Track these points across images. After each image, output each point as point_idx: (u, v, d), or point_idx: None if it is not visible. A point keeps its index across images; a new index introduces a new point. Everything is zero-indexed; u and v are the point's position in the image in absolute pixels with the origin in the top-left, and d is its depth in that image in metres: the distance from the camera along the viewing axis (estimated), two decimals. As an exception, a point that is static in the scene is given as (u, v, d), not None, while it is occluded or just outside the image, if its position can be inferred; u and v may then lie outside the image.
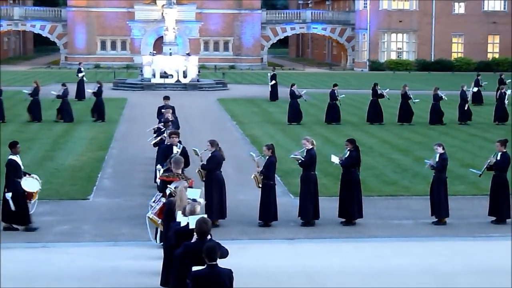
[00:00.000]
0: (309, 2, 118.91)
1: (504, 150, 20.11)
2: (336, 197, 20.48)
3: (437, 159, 20.02)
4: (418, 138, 35.25)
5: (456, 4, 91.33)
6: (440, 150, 20.04)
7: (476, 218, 20.63)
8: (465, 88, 41.88)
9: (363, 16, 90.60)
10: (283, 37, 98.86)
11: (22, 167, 19.20)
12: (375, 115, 40.68)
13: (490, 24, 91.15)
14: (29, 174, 19.36)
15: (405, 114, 40.62)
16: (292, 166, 24.71)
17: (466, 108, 40.80)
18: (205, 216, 11.62)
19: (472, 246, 18.32)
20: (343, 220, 19.96)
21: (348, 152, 19.90)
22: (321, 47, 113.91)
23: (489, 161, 20.25)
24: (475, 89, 45.94)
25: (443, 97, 40.35)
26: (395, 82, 67.63)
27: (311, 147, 19.76)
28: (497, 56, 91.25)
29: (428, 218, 20.16)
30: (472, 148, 32.43)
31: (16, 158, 19.07)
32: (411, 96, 40.58)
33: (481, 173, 20.76)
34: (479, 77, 52.58)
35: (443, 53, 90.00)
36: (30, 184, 19.06)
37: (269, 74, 53.36)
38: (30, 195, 19.05)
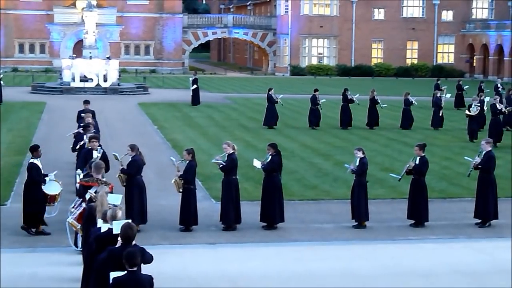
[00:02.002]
0: (230, 6, 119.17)
1: (423, 154, 20.41)
2: (257, 201, 20.49)
3: (357, 164, 20.20)
4: (338, 142, 35.55)
5: (376, 10, 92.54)
6: (360, 154, 20.23)
7: (396, 221, 20.88)
8: (438, 95, 42.50)
9: (284, 21, 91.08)
10: (204, 42, 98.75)
11: (42, 171, 19.05)
12: (346, 120, 41.23)
13: (409, 30, 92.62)
14: (46, 175, 19.08)
15: (373, 118, 41.39)
16: (213, 171, 24.66)
17: (440, 115, 41.17)
18: (130, 221, 11.47)
19: (392, 249, 18.52)
20: (265, 224, 19.99)
21: (270, 156, 19.94)
22: (242, 52, 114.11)
23: (408, 165, 20.51)
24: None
25: (414, 102, 41.33)
26: (316, 87, 68.16)
27: (232, 151, 19.75)
28: (415, 61, 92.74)
29: (349, 221, 20.33)
30: (392, 152, 32.84)
31: (37, 161, 18.96)
32: (379, 101, 41.31)
33: (400, 177, 21.03)
34: (438, 82, 53.44)
35: (363, 58, 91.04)
36: (51, 187, 18.93)
37: (190, 79, 53.15)
38: (52, 198, 18.92)
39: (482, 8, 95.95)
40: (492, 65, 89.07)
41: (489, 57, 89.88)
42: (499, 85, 50.48)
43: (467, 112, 37.32)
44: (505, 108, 37.93)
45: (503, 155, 30.62)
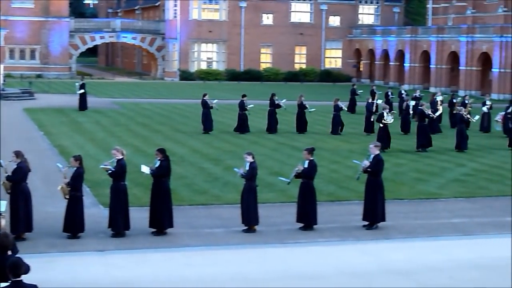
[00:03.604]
0: (118, 11, 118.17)
1: (311, 158, 20.58)
2: (146, 207, 20.31)
3: (247, 168, 20.23)
4: (228, 147, 35.60)
5: (265, 15, 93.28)
6: (249, 159, 20.26)
7: (285, 225, 20.99)
8: (370, 100, 43.11)
9: (173, 25, 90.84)
10: (92, 46, 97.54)
11: None
12: (272, 125, 41.71)
13: (297, 35, 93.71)
14: None
15: (301, 123, 41.92)
16: (102, 177, 24.32)
17: (372, 120, 41.46)
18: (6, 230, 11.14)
19: (282, 253, 18.60)
20: (154, 230, 19.82)
21: (159, 161, 19.81)
22: (131, 56, 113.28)
23: (297, 169, 20.65)
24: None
25: (343, 107, 41.88)
26: (205, 92, 68.22)
27: (121, 157, 19.53)
28: (304, 66, 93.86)
29: (239, 226, 20.34)
30: (281, 156, 33.07)
31: None
32: (307, 106, 41.89)
33: (289, 181, 21.16)
34: (354, 87, 55.03)
35: (252, 63, 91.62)
36: None
37: (77, 84, 52.44)
38: None
39: (368, 14, 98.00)
40: (378, 70, 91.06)
41: (375, 62, 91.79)
42: (403, 92, 51.53)
43: (383, 121, 36.00)
44: (433, 113, 39.43)
45: (388, 158, 31.22)
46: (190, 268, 16.96)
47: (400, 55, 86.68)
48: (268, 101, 42.50)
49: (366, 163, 20.87)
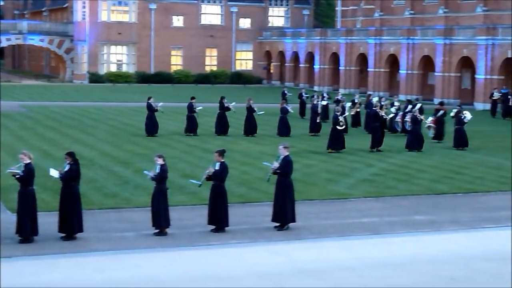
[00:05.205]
0: (25, 12, 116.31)
1: (222, 160, 20.58)
2: (55, 211, 20.00)
3: (157, 170, 20.12)
4: (138, 149, 35.35)
5: (175, 17, 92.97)
6: (160, 161, 20.16)
7: (197, 227, 20.95)
8: (315, 102, 43.66)
9: (81, 27, 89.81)
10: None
11: None
12: (222, 127, 42.06)
13: (208, 38, 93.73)
14: None
15: (251, 126, 42.11)
16: (9, 181, 23.85)
17: (318, 121, 42.39)
18: None
19: (193, 255, 18.55)
20: (64, 235, 19.53)
21: (68, 165, 19.54)
22: (39, 59, 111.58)
23: (208, 171, 20.63)
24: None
25: (290, 110, 42.18)
26: (115, 94, 67.75)
27: (29, 161, 19.21)
28: (214, 68, 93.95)
29: (150, 229, 20.21)
30: (192, 158, 33.00)
31: None
32: (256, 109, 42.16)
33: (200, 183, 21.15)
34: (284, 89, 56.75)
35: (162, 65, 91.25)
36: None
37: (-16, 87, 51.46)
38: None
39: (278, 16, 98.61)
40: (289, 72, 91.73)
41: (286, 64, 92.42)
42: (324, 95, 52.13)
43: (340, 123, 36.24)
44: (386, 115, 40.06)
45: (299, 159, 31.48)
46: (100, 273, 16.76)
47: (310, 57, 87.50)
48: (218, 104, 42.94)
49: (276, 164, 20.96)
